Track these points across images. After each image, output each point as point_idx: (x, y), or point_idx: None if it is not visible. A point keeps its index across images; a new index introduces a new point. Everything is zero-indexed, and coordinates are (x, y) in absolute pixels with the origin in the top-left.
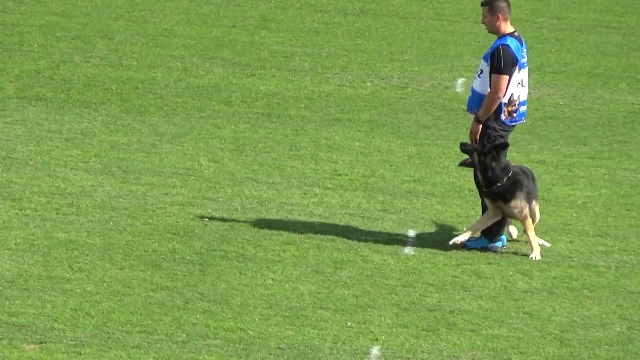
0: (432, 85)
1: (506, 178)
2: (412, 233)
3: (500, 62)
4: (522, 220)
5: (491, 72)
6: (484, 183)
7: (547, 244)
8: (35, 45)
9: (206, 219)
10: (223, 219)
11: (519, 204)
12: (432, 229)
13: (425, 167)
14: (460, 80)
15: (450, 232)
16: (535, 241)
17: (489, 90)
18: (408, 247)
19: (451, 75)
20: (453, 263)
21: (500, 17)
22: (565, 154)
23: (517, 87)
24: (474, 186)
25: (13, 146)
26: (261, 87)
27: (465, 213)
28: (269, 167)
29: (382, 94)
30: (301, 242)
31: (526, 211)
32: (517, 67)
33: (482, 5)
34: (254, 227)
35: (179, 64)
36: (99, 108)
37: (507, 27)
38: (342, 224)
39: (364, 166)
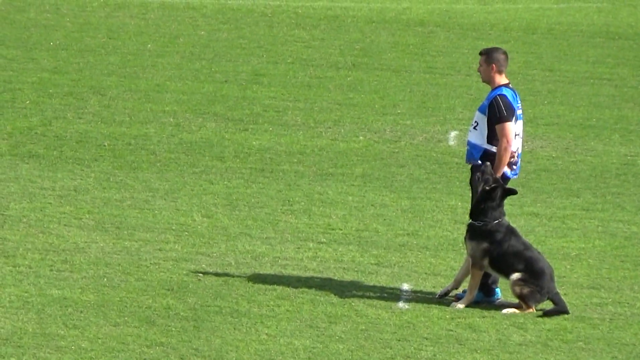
0: (425, 138)
1: (488, 222)
2: (406, 287)
3: (502, 111)
4: (472, 267)
5: (493, 123)
6: (470, 210)
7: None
8: (28, 102)
9: (200, 275)
10: (217, 274)
11: (476, 248)
12: (426, 283)
13: (418, 220)
14: (453, 133)
15: (445, 285)
16: (472, 294)
17: (485, 141)
18: (402, 301)
19: (444, 128)
20: (447, 317)
21: (495, 68)
22: (558, 206)
23: (515, 138)
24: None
25: (6, 203)
26: (254, 142)
27: (459, 266)
28: (262, 222)
29: (375, 147)
30: (295, 297)
31: (479, 262)
32: (515, 117)
33: (480, 54)
34: (248, 282)
35: (171, 120)
36: (91, 165)
37: (501, 79)
38: (336, 278)
39: (358, 220)
